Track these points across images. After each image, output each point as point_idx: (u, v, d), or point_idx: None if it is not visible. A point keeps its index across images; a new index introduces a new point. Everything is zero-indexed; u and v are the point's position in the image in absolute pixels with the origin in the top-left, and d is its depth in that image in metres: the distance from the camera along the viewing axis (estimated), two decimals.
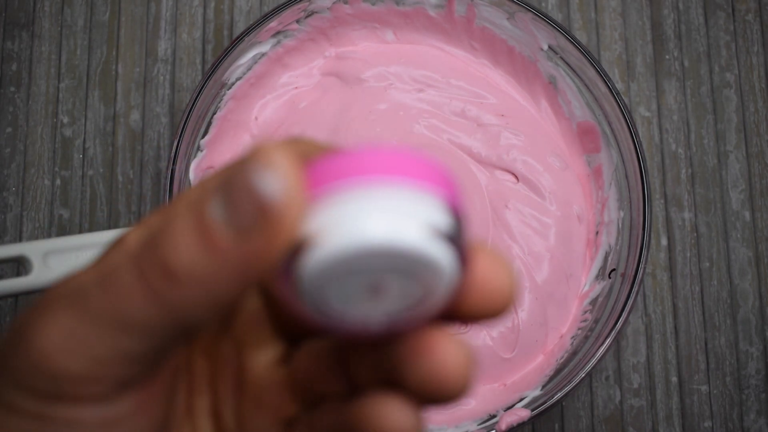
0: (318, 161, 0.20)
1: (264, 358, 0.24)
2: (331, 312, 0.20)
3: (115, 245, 0.23)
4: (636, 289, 0.41)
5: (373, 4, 0.45)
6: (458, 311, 0.22)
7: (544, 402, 0.40)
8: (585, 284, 0.44)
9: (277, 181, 0.19)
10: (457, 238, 0.19)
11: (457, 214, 0.20)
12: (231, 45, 0.44)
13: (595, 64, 0.43)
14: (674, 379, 0.45)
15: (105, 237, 0.38)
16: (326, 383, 0.23)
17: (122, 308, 0.20)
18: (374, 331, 0.21)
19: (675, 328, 0.46)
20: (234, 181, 0.19)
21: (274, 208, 0.19)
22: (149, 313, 0.20)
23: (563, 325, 0.43)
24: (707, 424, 0.45)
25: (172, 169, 0.42)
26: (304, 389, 0.24)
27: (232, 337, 0.25)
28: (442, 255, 0.19)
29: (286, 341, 0.25)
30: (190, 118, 0.43)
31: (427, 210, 0.19)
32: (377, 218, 0.19)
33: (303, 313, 0.20)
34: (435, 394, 0.21)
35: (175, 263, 0.20)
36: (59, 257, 0.36)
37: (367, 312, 0.20)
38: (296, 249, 0.19)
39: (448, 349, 0.21)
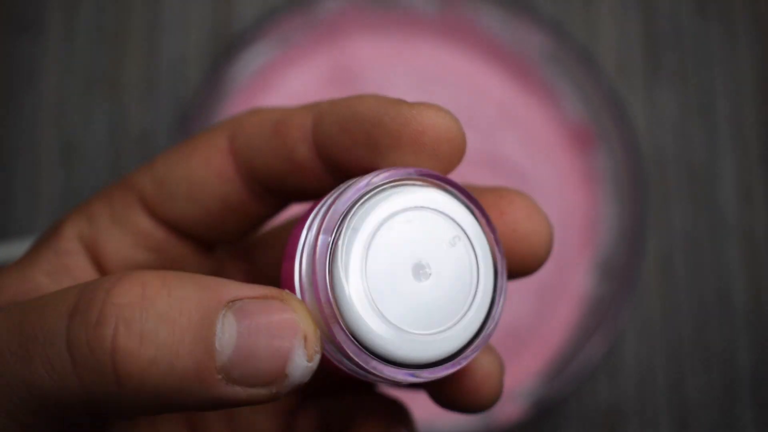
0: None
1: None
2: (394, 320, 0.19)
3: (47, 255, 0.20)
4: (631, 287, 0.42)
5: (373, 8, 0.46)
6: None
7: (540, 400, 0.41)
8: (581, 283, 0.44)
9: (308, 365, 0.18)
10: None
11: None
12: (234, 47, 0.44)
13: (591, 64, 0.44)
14: (670, 375, 0.45)
15: None
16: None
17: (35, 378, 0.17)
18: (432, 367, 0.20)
19: (669, 325, 0.46)
20: (256, 334, 0.18)
21: (293, 379, 0.18)
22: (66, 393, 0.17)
23: (559, 323, 0.43)
24: (703, 420, 0.45)
25: None
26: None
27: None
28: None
29: None
30: (194, 120, 0.43)
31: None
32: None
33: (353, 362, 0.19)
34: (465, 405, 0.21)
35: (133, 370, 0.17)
36: None
37: (423, 300, 0.19)
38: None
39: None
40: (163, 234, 0.23)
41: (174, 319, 0.17)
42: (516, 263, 0.21)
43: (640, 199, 0.43)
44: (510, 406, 0.41)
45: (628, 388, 0.45)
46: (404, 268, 0.19)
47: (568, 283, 0.44)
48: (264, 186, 0.22)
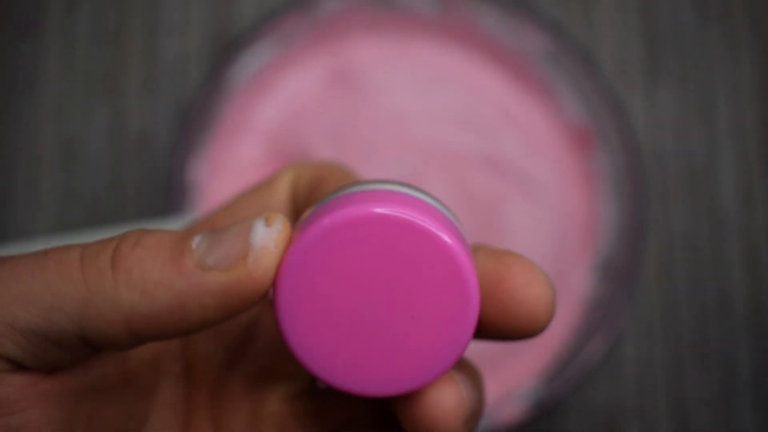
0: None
1: (286, 390, 0.24)
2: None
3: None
4: (631, 287, 0.42)
5: (373, 8, 0.46)
6: (494, 327, 0.21)
7: (540, 401, 0.41)
8: (581, 283, 0.44)
9: (267, 229, 0.20)
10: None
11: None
12: (234, 47, 0.44)
13: (591, 64, 0.44)
14: (670, 375, 0.45)
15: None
16: (354, 413, 0.24)
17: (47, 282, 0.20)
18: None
19: (669, 325, 0.46)
20: (229, 226, 0.20)
21: (256, 254, 0.20)
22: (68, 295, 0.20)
23: (559, 323, 0.43)
24: (703, 420, 0.45)
25: (175, 173, 0.43)
26: (332, 419, 0.24)
27: (246, 371, 0.24)
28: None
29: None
30: (192, 121, 0.43)
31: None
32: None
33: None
34: None
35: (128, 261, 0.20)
36: None
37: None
38: None
39: (443, 392, 0.21)
40: None
41: (163, 237, 0.20)
42: (517, 328, 0.21)
43: (640, 199, 0.43)
44: (510, 407, 0.41)
45: (628, 388, 0.45)
46: None
47: (568, 283, 0.44)
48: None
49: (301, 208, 0.25)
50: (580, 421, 0.45)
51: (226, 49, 0.46)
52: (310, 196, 0.24)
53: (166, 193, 0.45)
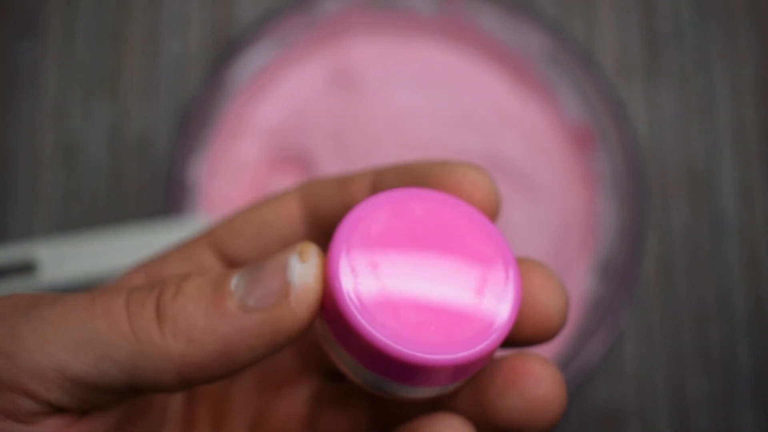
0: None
1: (284, 401, 0.25)
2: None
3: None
4: (631, 287, 0.42)
5: (373, 8, 0.46)
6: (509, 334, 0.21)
7: None
8: (581, 283, 0.44)
9: (303, 265, 0.20)
10: None
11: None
12: (234, 48, 0.44)
13: (591, 64, 0.44)
14: (670, 376, 0.45)
15: (110, 238, 0.39)
16: (352, 422, 0.24)
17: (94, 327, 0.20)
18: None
19: (669, 325, 0.46)
20: (263, 264, 0.21)
21: (297, 291, 0.20)
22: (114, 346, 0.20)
23: None
24: (703, 420, 0.45)
25: (175, 173, 0.43)
26: (330, 430, 0.24)
27: (245, 383, 0.25)
28: None
29: (322, 376, 0.25)
30: (192, 122, 0.43)
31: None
32: None
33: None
34: (526, 427, 0.21)
35: (172, 308, 0.20)
36: (64, 260, 0.37)
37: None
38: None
39: (540, 373, 0.21)
40: (221, 268, 0.25)
41: (201, 282, 0.21)
42: (529, 332, 0.22)
43: (640, 199, 0.43)
44: None
45: (628, 389, 0.45)
46: None
47: (568, 283, 0.44)
48: (322, 225, 0.25)
49: (329, 199, 0.25)
50: (580, 421, 0.45)
51: (226, 49, 0.46)
52: (345, 188, 0.24)
53: (166, 193, 0.45)
